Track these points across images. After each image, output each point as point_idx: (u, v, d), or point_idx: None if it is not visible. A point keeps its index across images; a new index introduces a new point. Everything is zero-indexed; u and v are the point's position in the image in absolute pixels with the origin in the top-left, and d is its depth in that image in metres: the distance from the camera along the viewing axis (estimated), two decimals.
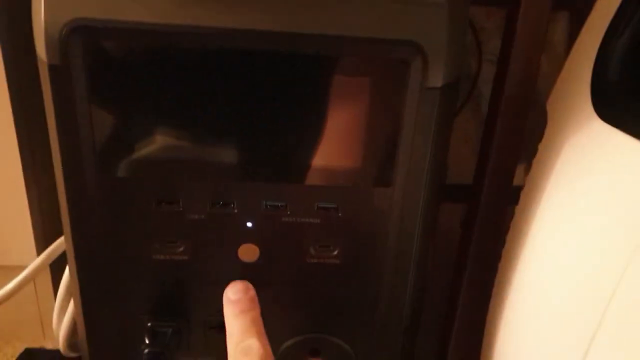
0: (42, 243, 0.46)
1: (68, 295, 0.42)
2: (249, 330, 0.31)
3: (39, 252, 0.45)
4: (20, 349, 0.52)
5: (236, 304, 0.33)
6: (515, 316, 0.35)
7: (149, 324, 0.36)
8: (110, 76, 0.29)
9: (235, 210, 0.33)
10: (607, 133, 0.29)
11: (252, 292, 0.34)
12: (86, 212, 0.32)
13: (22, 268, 0.43)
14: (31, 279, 0.43)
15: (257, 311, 0.33)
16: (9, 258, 0.46)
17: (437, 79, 0.30)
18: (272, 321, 0.37)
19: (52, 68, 0.28)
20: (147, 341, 0.36)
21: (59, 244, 0.44)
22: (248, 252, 0.35)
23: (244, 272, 0.35)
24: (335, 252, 0.35)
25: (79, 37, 0.27)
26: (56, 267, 0.45)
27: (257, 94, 0.31)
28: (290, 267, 0.36)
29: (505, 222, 0.41)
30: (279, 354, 0.38)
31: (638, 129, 0.27)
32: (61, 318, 0.43)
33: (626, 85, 0.30)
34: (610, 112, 0.29)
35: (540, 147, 0.36)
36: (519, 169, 0.41)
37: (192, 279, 0.36)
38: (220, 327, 0.37)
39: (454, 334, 0.46)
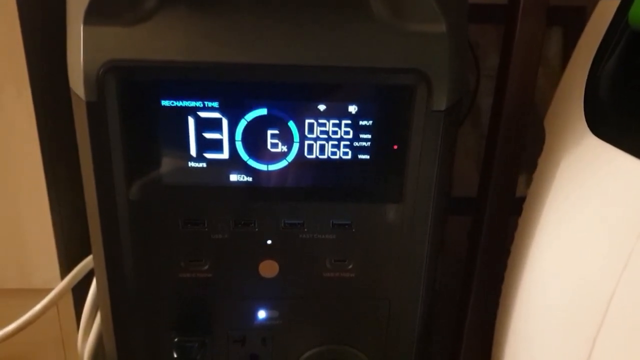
0: (65, 266, 0.47)
1: (92, 315, 0.44)
2: None
3: (62, 275, 0.46)
4: None
5: None
6: (522, 320, 0.37)
7: (176, 339, 0.38)
8: (142, 111, 0.32)
9: (256, 229, 0.36)
10: (600, 147, 0.31)
11: None
12: (117, 235, 0.35)
13: (44, 291, 0.44)
14: (57, 300, 0.45)
15: None
16: (32, 281, 0.48)
17: (441, 103, 0.32)
18: (291, 333, 0.39)
19: (89, 105, 0.30)
20: (175, 355, 0.37)
21: (83, 267, 0.46)
22: (268, 268, 0.37)
23: (265, 288, 0.37)
24: (350, 266, 0.37)
25: (114, 76, 0.30)
26: (77, 289, 0.46)
27: (273, 120, 0.33)
28: (308, 282, 0.38)
29: (509, 232, 0.42)
30: None
31: (629, 143, 0.29)
32: (86, 338, 0.44)
33: (616, 102, 0.33)
34: (603, 128, 0.32)
35: (540, 161, 0.38)
36: (521, 181, 0.43)
37: (215, 295, 0.37)
38: (242, 341, 0.39)
39: (465, 338, 0.48)
